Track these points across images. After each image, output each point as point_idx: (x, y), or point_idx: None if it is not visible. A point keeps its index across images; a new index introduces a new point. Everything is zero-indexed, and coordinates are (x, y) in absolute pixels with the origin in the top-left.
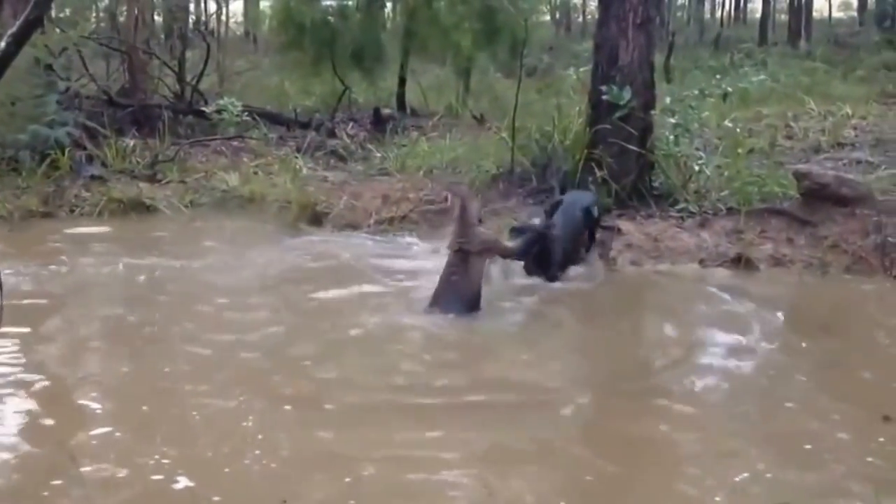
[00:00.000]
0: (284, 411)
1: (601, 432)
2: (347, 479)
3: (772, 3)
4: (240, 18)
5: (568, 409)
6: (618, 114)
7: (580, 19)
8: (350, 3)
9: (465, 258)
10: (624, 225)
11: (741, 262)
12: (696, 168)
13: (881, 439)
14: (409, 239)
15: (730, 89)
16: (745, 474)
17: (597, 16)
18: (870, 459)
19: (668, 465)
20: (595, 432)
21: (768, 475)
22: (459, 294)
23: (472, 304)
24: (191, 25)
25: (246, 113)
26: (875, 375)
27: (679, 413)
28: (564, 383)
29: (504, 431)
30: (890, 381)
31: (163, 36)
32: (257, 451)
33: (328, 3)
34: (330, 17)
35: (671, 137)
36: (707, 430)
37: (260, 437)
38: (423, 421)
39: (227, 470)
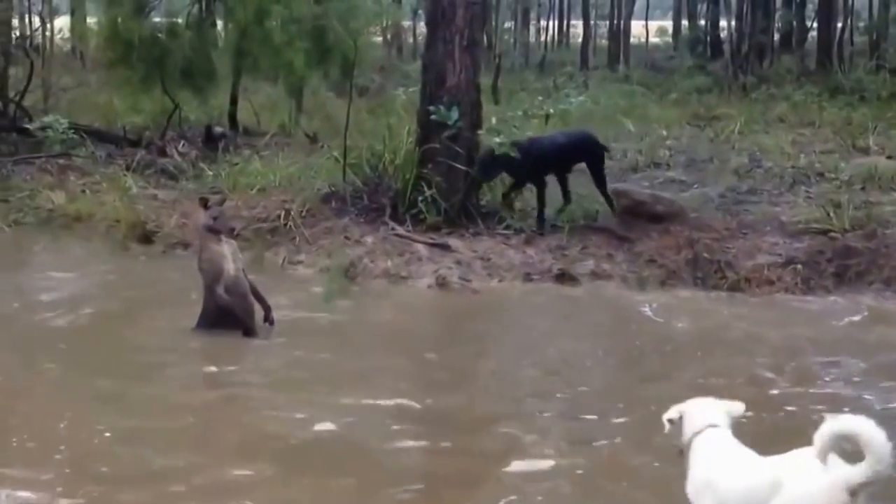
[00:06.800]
0: None
1: None
2: None
3: (593, 28)
4: (66, 34)
5: None
6: (446, 133)
7: (411, 41)
8: (180, 20)
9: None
10: (453, 242)
11: (564, 278)
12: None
13: None
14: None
15: (552, 111)
16: None
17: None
18: None
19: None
20: None
21: None
22: (203, 312)
23: (209, 322)
24: (14, 41)
25: (72, 130)
26: None
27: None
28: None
29: None
30: None
31: None
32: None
33: (157, 20)
34: (159, 34)
35: None
36: None
37: None
38: None
39: None
